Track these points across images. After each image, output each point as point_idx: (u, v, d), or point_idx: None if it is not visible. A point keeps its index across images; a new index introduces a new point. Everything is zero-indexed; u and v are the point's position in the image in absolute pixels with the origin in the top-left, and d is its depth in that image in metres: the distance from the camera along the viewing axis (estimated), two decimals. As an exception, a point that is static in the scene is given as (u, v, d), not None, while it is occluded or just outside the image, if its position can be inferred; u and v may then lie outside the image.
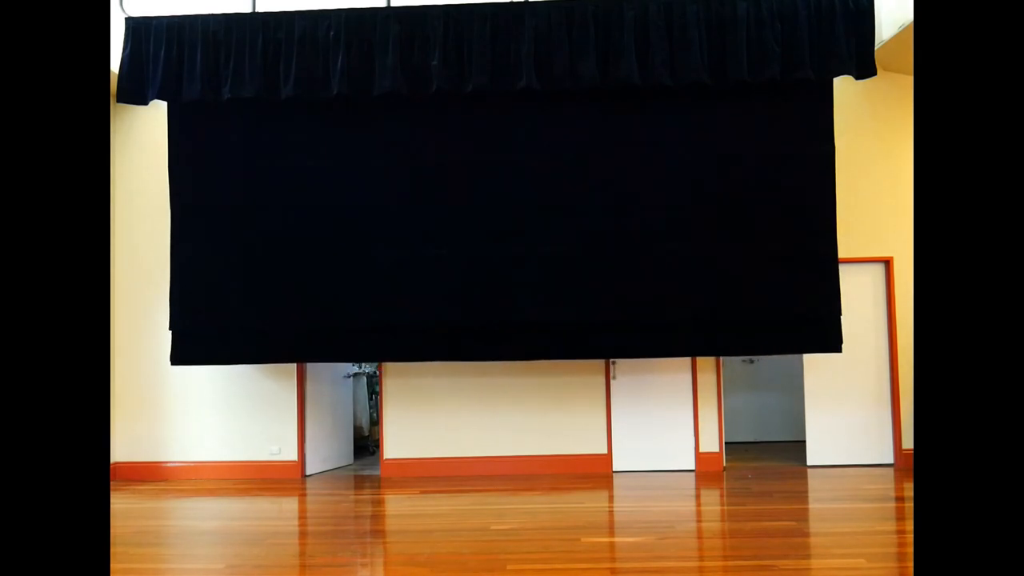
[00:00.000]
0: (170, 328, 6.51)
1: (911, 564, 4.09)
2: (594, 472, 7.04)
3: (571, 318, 6.23)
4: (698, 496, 6.15)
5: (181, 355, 6.51)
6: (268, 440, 7.18)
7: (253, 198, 6.41)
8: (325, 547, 4.87)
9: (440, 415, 7.17)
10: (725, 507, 5.78)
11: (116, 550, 4.65)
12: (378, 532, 5.37)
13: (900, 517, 5.21)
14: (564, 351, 6.41)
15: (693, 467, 7.07)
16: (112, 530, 5.15)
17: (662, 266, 6.22)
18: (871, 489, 6.16)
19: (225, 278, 6.39)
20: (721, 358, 7.17)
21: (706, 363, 7.11)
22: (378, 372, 7.34)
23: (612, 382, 7.14)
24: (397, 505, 6.06)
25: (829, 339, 6.32)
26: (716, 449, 7.08)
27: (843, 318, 6.35)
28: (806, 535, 4.82)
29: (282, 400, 7.19)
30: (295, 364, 7.15)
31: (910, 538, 4.61)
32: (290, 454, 7.17)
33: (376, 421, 8.36)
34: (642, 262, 6.24)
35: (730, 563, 4.29)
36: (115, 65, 6.41)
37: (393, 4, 6.53)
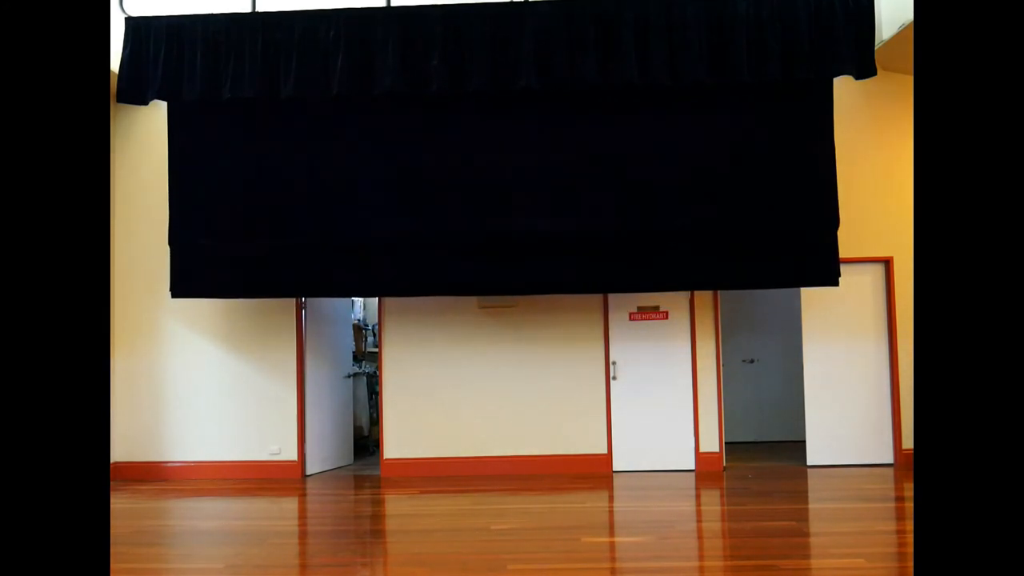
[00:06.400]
0: (171, 291, 6.61)
1: (911, 564, 4.09)
2: (594, 472, 7.03)
3: (571, 278, 6.40)
4: (698, 496, 6.15)
5: (181, 288, 6.59)
6: (268, 440, 7.18)
7: (253, 198, 6.43)
8: (325, 547, 4.87)
9: (440, 415, 7.17)
10: (725, 507, 5.78)
11: (116, 550, 4.65)
12: (378, 532, 5.37)
13: (900, 517, 5.21)
14: (565, 286, 6.55)
15: (693, 467, 7.07)
16: (112, 530, 5.14)
17: (662, 244, 6.32)
18: (871, 489, 6.16)
19: (222, 245, 6.47)
20: (721, 359, 7.17)
21: (707, 361, 7.11)
22: (378, 372, 7.34)
23: (612, 382, 7.14)
24: (397, 505, 6.07)
25: (826, 271, 6.33)
26: (716, 449, 7.08)
27: (843, 319, 6.35)
28: (806, 535, 4.82)
29: (282, 400, 7.19)
30: (296, 365, 7.17)
31: (910, 538, 4.61)
32: (290, 454, 7.17)
33: (376, 421, 8.36)
34: (641, 248, 6.33)
35: (730, 563, 4.29)
36: (115, 65, 6.40)
37: (393, 4, 6.53)
